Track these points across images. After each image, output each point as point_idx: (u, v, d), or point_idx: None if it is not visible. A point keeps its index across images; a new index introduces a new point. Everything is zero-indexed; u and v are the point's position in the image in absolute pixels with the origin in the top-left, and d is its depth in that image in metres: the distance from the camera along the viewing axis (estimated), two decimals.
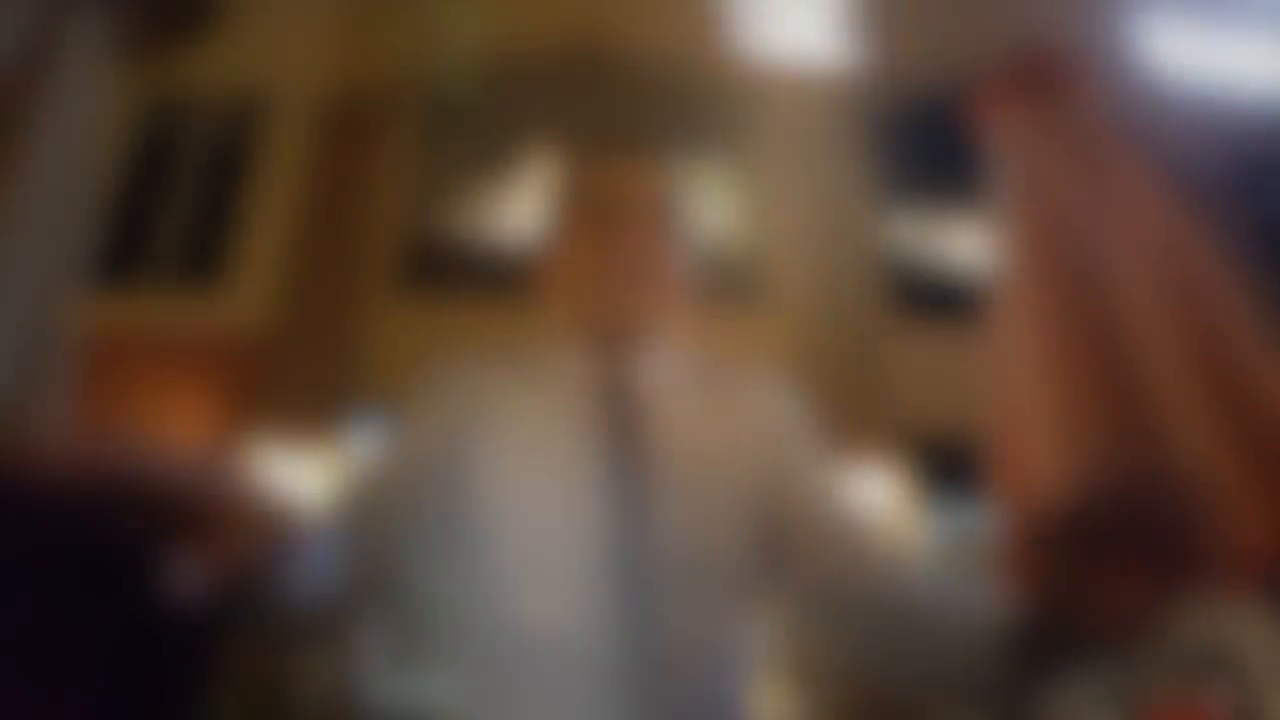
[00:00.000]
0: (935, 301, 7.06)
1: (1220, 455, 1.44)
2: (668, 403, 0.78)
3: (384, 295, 6.11)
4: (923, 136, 7.98)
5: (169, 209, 6.58)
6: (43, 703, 0.26)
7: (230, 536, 0.34)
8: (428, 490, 0.74)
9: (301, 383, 5.62)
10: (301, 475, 5.24)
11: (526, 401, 0.79)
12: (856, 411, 6.19)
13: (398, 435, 0.81)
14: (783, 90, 7.67)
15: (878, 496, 4.15)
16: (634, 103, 7.90)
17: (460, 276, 6.52)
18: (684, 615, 0.69)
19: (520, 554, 0.71)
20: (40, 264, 1.42)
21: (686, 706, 0.68)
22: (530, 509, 0.72)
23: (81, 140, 1.60)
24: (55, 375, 1.47)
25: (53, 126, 1.49)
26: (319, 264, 6.05)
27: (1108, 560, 0.48)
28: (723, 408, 0.81)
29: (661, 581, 0.69)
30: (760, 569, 0.75)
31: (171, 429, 5.41)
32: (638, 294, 0.80)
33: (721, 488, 0.75)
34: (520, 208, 9.11)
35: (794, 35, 7.99)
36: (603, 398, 0.77)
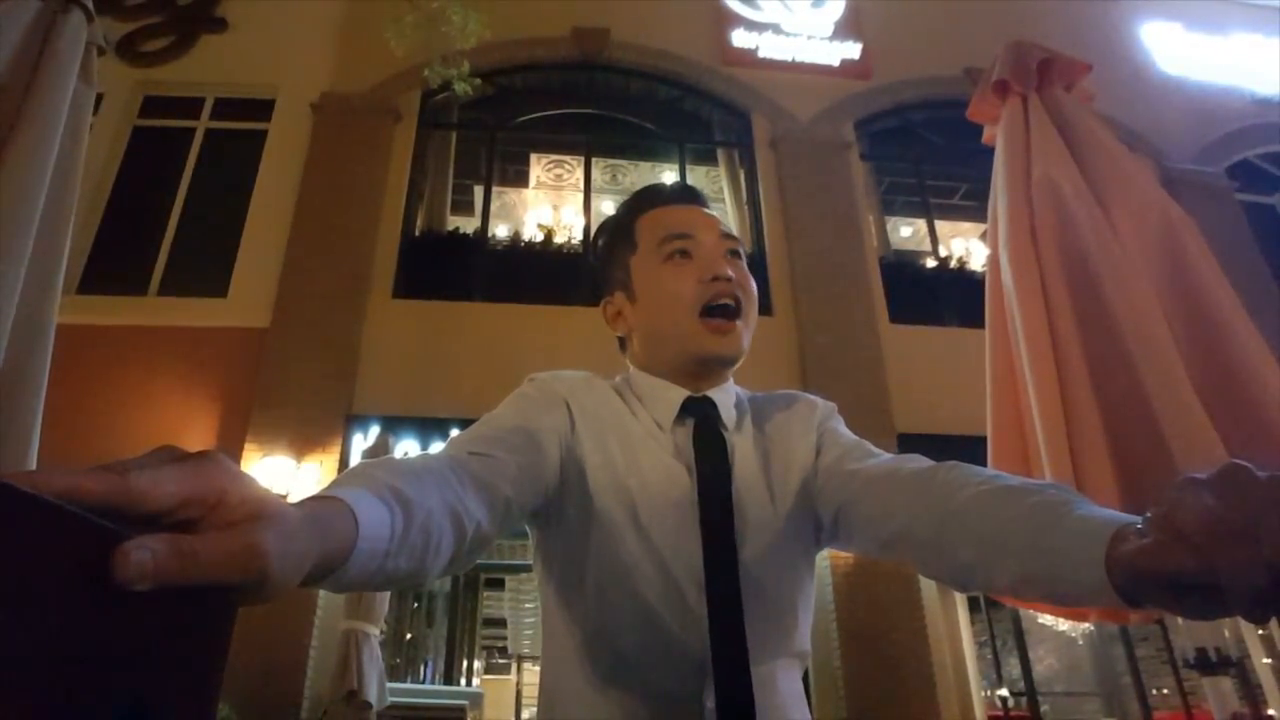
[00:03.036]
0: (933, 301, 7.07)
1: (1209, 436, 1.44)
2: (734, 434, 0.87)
3: (382, 296, 6.11)
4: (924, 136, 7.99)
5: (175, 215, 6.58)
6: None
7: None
8: (555, 437, 0.78)
9: (300, 383, 5.61)
10: (301, 476, 5.24)
11: (620, 413, 0.86)
12: (856, 412, 6.15)
13: (520, 400, 0.84)
14: (783, 91, 7.69)
15: None
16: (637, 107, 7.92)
17: (457, 277, 6.53)
18: (763, 577, 0.77)
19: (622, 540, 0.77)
20: (25, 264, 1.42)
21: (764, 619, 0.75)
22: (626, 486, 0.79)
23: (71, 142, 1.59)
24: (40, 370, 1.46)
25: (41, 127, 1.49)
26: (317, 266, 6.05)
27: None
28: (770, 436, 0.88)
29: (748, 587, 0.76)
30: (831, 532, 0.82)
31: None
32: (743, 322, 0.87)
33: (779, 505, 0.82)
34: (520, 208, 9.11)
35: (795, 36, 7.99)
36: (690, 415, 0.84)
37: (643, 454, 0.82)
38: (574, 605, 0.78)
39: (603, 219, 0.99)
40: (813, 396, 0.93)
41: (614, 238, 0.94)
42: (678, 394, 0.85)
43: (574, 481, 0.79)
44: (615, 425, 0.84)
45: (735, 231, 0.93)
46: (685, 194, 0.93)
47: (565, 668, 0.78)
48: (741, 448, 0.84)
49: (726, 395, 0.88)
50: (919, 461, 0.73)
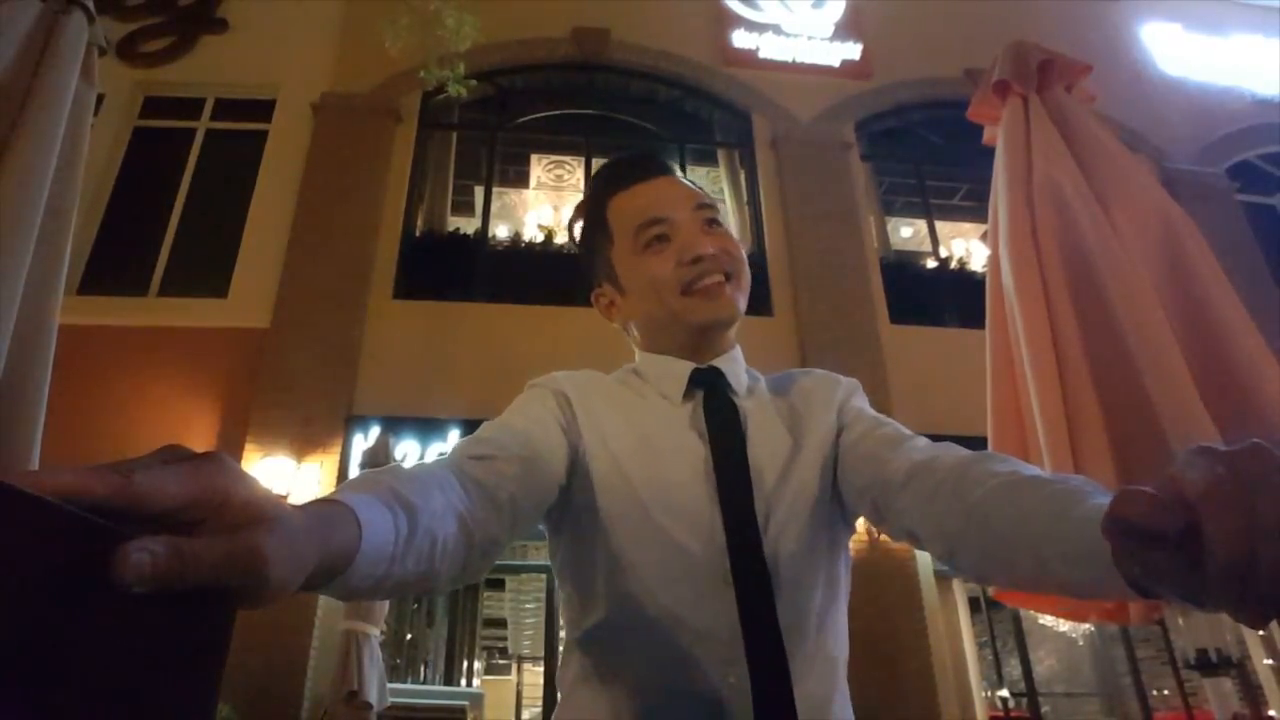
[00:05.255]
0: (934, 301, 7.06)
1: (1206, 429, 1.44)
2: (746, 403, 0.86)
3: (382, 297, 6.11)
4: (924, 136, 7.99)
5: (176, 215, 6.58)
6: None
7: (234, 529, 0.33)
8: (559, 434, 0.78)
9: (300, 383, 5.61)
10: (301, 476, 5.24)
11: (631, 400, 0.86)
12: None
13: (521, 403, 0.83)
14: (784, 91, 7.68)
15: None
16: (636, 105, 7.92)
17: (457, 278, 6.52)
18: (789, 562, 0.75)
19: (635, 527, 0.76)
20: (26, 265, 1.42)
21: (790, 609, 0.73)
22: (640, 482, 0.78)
23: (72, 142, 1.59)
24: (42, 370, 1.47)
25: (42, 127, 1.49)
26: (317, 267, 6.04)
27: None
28: (793, 402, 0.88)
29: (774, 565, 0.75)
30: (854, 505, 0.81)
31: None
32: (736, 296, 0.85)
33: (802, 469, 0.80)
34: (520, 208, 9.10)
35: (795, 36, 7.99)
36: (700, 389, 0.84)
37: (654, 433, 0.81)
38: (591, 596, 0.78)
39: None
40: (834, 374, 0.92)
41: (589, 229, 0.93)
42: (684, 367, 0.86)
43: (582, 474, 0.79)
44: (622, 411, 0.84)
45: (713, 197, 0.91)
46: (649, 167, 0.90)
47: (583, 656, 0.78)
48: (755, 413, 0.84)
49: (734, 364, 0.88)
50: (954, 452, 0.70)
